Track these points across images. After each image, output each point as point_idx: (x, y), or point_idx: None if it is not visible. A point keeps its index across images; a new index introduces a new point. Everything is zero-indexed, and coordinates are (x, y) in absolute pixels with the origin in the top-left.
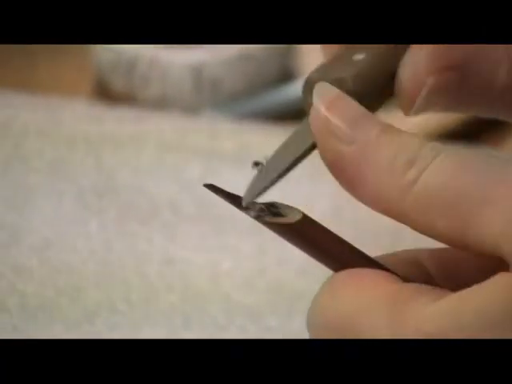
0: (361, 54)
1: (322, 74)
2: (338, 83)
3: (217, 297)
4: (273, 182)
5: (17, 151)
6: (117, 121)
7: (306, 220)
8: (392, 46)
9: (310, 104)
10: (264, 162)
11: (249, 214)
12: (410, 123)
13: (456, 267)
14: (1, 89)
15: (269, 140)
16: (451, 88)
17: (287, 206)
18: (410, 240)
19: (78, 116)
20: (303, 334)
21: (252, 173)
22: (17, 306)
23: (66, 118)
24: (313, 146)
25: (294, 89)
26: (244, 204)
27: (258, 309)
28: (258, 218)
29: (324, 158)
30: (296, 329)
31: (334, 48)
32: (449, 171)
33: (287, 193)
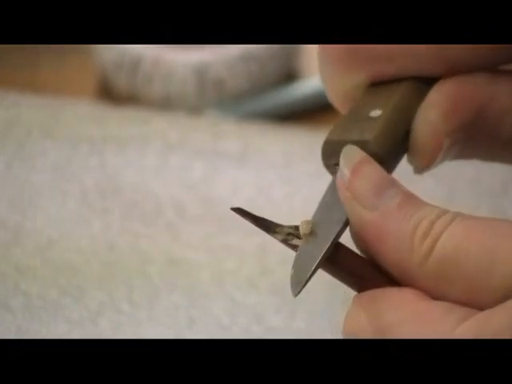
0: (377, 110)
1: (341, 135)
2: (361, 145)
3: (220, 297)
4: (317, 267)
5: (20, 151)
6: (120, 121)
7: None
8: (406, 99)
9: (331, 166)
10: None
11: (276, 238)
12: None
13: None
14: (4, 89)
15: (272, 140)
16: (461, 144)
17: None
18: None
19: (82, 116)
20: (307, 335)
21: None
22: (20, 306)
23: (70, 118)
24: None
25: (297, 89)
26: (294, 295)
27: (262, 309)
28: (284, 241)
29: (350, 220)
30: (299, 329)
31: (347, 101)
32: (459, 236)
33: (287, 193)
